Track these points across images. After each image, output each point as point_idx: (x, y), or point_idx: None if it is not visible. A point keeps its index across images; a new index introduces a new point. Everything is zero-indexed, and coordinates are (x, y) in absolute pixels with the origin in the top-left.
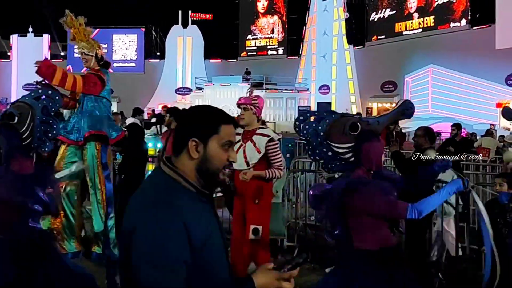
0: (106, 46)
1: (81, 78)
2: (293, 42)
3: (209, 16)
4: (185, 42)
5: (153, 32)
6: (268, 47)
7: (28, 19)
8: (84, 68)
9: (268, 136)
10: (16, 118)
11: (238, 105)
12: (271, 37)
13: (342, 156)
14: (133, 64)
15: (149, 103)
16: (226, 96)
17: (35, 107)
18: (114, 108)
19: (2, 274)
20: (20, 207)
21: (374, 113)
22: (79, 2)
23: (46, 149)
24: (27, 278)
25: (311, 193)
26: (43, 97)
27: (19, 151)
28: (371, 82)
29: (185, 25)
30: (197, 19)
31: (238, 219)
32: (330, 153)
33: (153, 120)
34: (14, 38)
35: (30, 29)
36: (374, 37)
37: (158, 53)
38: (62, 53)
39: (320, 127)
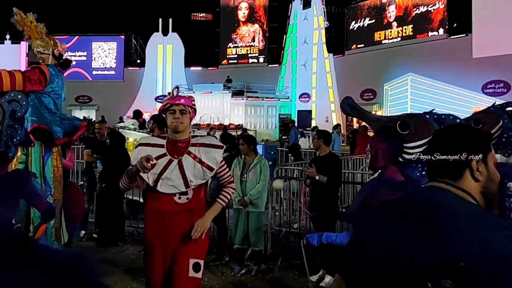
0: (85, 53)
1: (22, 76)
2: (273, 50)
3: (209, 17)
4: (165, 50)
5: (133, 40)
6: (249, 55)
7: (6, 27)
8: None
9: (221, 147)
10: None
11: (165, 110)
12: (252, 45)
13: None
14: (113, 72)
15: (128, 111)
16: (207, 104)
17: (6, 110)
18: (93, 116)
19: None
20: None
21: (354, 121)
22: (59, 9)
23: (11, 154)
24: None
25: None
26: (13, 100)
27: None
28: (350, 90)
29: (165, 32)
30: (197, 19)
31: (159, 255)
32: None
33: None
34: None
35: (8, 36)
36: (354, 46)
37: (138, 61)
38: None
39: None
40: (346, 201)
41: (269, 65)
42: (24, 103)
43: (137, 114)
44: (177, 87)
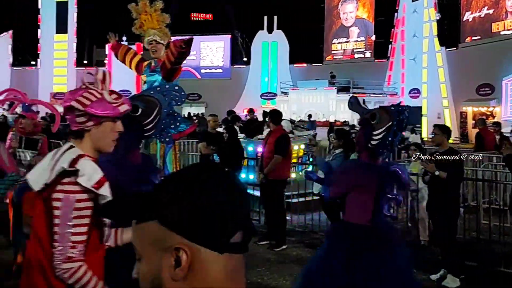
0: (194, 53)
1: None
2: (380, 44)
3: (209, 16)
4: (270, 47)
5: (239, 38)
6: (355, 50)
7: (123, 29)
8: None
9: None
10: (140, 110)
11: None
12: (357, 40)
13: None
14: (220, 70)
15: (234, 108)
16: (311, 100)
17: (162, 101)
18: (202, 112)
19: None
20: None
21: (469, 118)
22: (166, 12)
23: (167, 139)
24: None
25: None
26: (170, 91)
27: (134, 142)
28: (465, 85)
29: (270, 30)
30: (197, 19)
31: None
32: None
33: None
34: (109, 47)
35: (124, 38)
36: (469, 38)
37: (245, 59)
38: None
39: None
40: (468, 199)
41: (376, 60)
42: (182, 93)
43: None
44: (96, 71)
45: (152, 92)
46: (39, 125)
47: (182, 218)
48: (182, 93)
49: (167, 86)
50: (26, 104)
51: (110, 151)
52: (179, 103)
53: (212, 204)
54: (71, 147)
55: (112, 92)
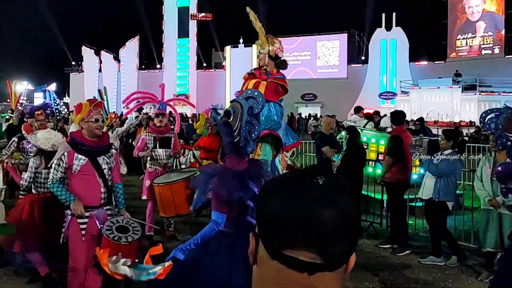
0: (310, 53)
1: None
2: (511, 39)
3: (209, 16)
4: (388, 45)
5: (356, 37)
6: (482, 46)
7: (240, 31)
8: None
9: None
10: (232, 116)
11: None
12: (484, 35)
13: None
14: (336, 70)
15: (351, 108)
16: (434, 100)
17: (244, 107)
18: (318, 112)
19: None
20: (239, 202)
21: None
22: (283, 13)
23: (249, 149)
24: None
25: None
26: (251, 97)
27: (235, 148)
28: None
29: (388, 27)
30: (198, 19)
31: None
32: (509, 143)
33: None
34: (227, 50)
35: (241, 40)
36: None
37: (363, 58)
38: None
39: (499, 121)
40: None
41: (506, 56)
42: (260, 99)
43: (358, 110)
44: None
45: (240, 97)
46: (169, 124)
47: (258, 211)
48: (260, 99)
49: (249, 92)
50: (163, 103)
51: None
52: (256, 110)
53: (282, 210)
54: None
55: None
